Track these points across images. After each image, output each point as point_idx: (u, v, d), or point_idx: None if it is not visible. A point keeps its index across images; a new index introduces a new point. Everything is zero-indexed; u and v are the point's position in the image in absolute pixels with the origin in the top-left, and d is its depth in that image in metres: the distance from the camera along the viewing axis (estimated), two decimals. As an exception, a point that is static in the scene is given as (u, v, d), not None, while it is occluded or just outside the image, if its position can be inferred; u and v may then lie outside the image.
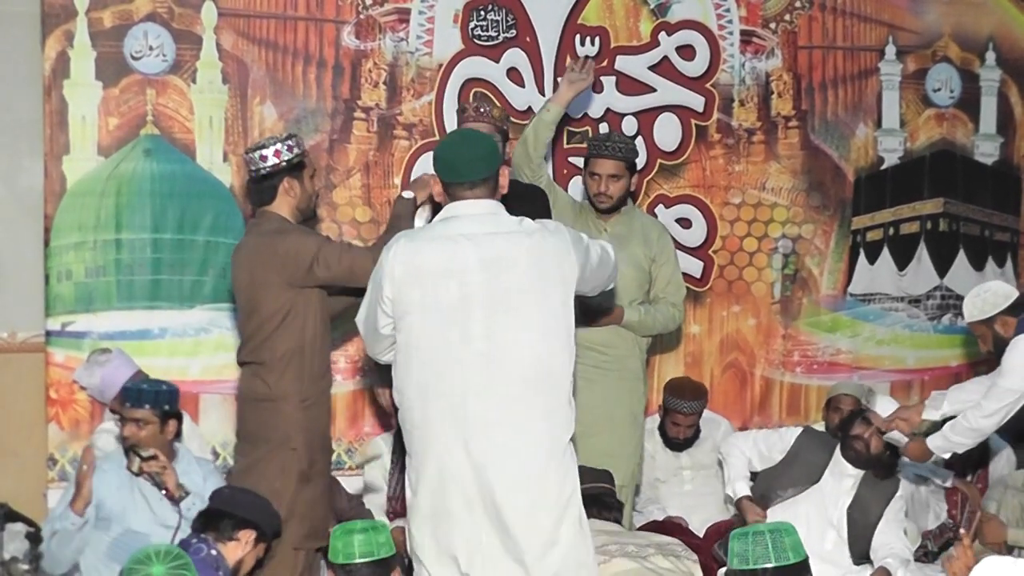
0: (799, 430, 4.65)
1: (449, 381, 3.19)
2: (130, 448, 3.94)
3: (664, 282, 4.74)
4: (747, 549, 3.27)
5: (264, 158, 3.88)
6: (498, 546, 3.20)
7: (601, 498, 4.16)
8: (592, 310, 4.51)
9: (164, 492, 3.89)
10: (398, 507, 4.36)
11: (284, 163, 3.89)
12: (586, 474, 4.14)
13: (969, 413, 4.14)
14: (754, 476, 4.70)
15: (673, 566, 3.92)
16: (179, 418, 4.09)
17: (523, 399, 3.20)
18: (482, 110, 4.35)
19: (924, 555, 4.87)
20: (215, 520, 3.58)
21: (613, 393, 4.64)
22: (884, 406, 4.50)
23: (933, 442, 4.24)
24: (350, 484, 5.00)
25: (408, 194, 4.07)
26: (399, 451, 4.43)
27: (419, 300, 3.21)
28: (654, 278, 4.71)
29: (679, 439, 5.24)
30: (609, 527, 4.06)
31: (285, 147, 3.91)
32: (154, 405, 3.96)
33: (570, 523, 3.29)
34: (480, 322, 3.19)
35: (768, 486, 4.56)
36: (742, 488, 4.56)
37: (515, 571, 3.20)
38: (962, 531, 4.28)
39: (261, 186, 3.92)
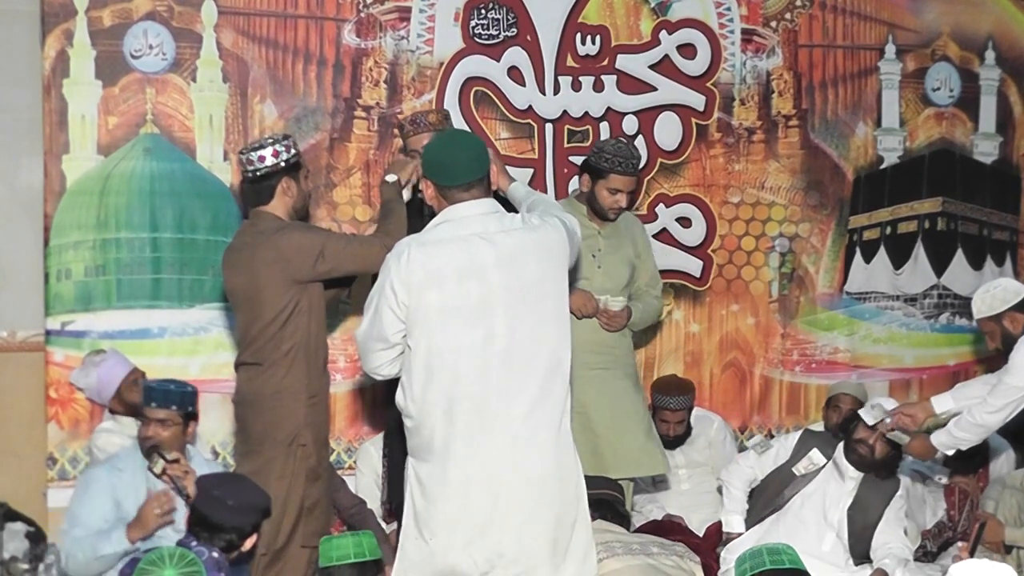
0: (798, 434, 4.65)
1: (473, 381, 3.20)
2: (152, 449, 3.90)
3: (648, 276, 4.76)
4: (744, 560, 3.52)
5: (262, 158, 3.88)
6: (525, 545, 3.22)
7: (612, 504, 4.18)
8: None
9: (185, 497, 3.83)
10: (394, 510, 4.36)
11: (283, 163, 3.90)
12: (600, 482, 4.16)
13: (975, 409, 4.15)
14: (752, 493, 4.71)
15: (676, 564, 3.95)
16: (197, 420, 4.09)
17: (540, 392, 3.23)
18: (417, 122, 4.27)
19: (923, 555, 4.88)
20: (215, 531, 3.56)
21: (622, 391, 4.65)
22: (881, 402, 4.49)
23: (937, 439, 4.25)
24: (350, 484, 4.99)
25: (391, 177, 4.08)
26: (391, 455, 4.43)
27: (438, 303, 3.20)
28: (638, 273, 4.72)
29: (669, 436, 5.22)
30: (614, 527, 4.08)
31: (283, 147, 3.91)
32: (180, 406, 3.96)
33: (584, 512, 3.36)
34: (502, 320, 3.20)
35: (770, 488, 4.56)
36: (737, 524, 4.58)
37: (543, 567, 3.24)
38: (960, 544, 4.29)
39: (259, 186, 3.92)
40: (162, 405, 3.93)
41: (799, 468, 4.49)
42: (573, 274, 4.24)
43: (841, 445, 4.49)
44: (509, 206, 3.59)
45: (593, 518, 4.06)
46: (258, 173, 3.89)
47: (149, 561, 3.15)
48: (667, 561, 3.93)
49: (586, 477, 3.92)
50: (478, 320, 3.20)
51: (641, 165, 4.60)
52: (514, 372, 3.20)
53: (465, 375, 3.20)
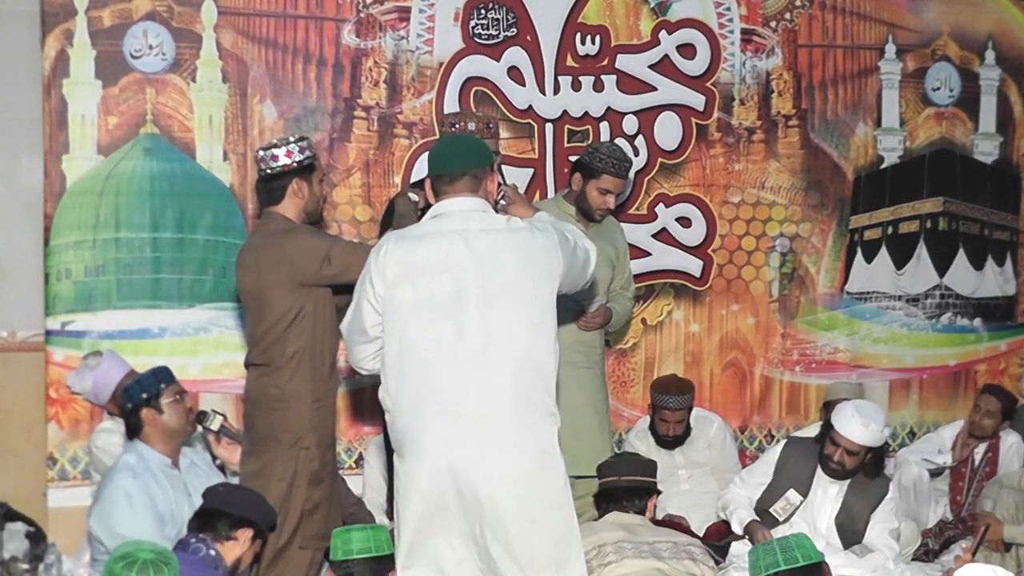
0: (780, 445, 4.56)
1: (444, 377, 3.18)
2: (200, 413, 4.07)
3: (625, 278, 4.80)
4: (758, 559, 3.48)
5: (275, 157, 3.88)
6: (495, 545, 3.17)
7: (635, 490, 4.08)
8: (581, 310, 4.57)
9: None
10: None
11: (295, 164, 3.89)
12: (623, 467, 4.15)
13: None
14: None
15: (686, 569, 3.83)
16: None
17: (516, 393, 3.20)
18: (490, 125, 4.34)
19: (925, 553, 4.87)
20: (212, 520, 3.57)
21: (598, 388, 4.74)
22: (844, 415, 4.28)
23: None
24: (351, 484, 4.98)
25: (413, 196, 4.08)
26: (389, 451, 4.45)
27: (411, 296, 3.20)
28: (616, 275, 4.74)
29: (669, 436, 5.23)
30: (631, 520, 3.98)
31: (297, 148, 3.91)
32: None
33: (569, 519, 3.29)
34: (474, 318, 3.18)
35: (765, 504, 4.46)
36: (748, 515, 4.43)
37: (512, 569, 3.19)
38: (964, 545, 4.26)
39: (270, 186, 3.92)
40: (173, 380, 3.98)
41: (777, 510, 4.38)
42: (591, 292, 4.32)
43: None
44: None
45: (609, 509, 4.02)
46: (270, 172, 3.90)
47: (124, 551, 3.13)
48: (678, 565, 3.81)
49: (607, 464, 4.12)
50: (450, 316, 3.18)
51: (634, 169, 4.58)
52: (489, 371, 3.18)
53: (436, 370, 3.18)
